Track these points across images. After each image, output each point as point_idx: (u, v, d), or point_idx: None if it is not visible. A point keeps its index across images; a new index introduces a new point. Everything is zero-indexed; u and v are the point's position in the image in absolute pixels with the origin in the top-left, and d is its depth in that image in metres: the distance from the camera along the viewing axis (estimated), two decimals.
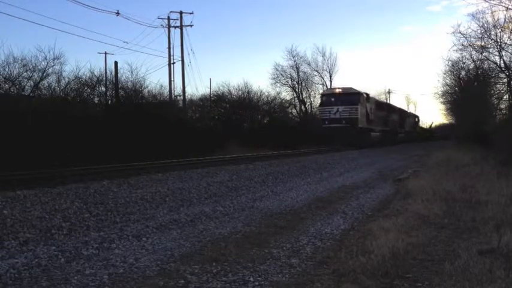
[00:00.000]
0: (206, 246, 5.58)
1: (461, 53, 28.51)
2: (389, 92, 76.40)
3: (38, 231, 5.91)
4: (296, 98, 47.65)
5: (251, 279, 4.38)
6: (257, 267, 4.75)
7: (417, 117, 77.12)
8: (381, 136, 39.18)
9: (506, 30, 21.98)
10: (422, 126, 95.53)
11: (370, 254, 4.90)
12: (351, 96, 32.47)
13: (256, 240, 5.87)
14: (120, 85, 24.75)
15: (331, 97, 33.17)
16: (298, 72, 48.48)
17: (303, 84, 48.62)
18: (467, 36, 23.72)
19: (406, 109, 78.80)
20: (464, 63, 33.63)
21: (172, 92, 32.94)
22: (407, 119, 60.19)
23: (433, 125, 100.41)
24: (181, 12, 34.04)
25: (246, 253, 5.25)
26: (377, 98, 43.17)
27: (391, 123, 46.36)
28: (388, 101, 70.20)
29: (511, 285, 3.96)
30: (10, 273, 4.47)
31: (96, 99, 24.17)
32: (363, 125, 33.08)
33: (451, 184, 10.58)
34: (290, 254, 5.29)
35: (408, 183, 11.71)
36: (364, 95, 34.55)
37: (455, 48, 25.76)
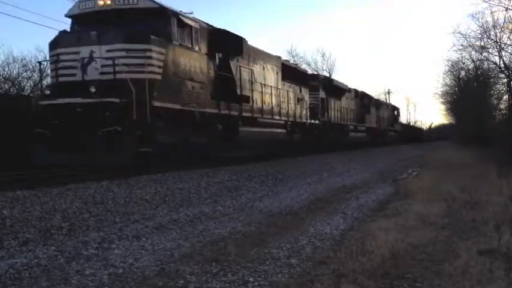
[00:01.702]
0: (206, 246, 5.57)
1: (461, 53, 28.61)
2: (389, 92, 75.92)
3: (38, 231, 5.90)
4: None
5: (251, 279, 4.37)
6: (257, 267, 4.75)
7: (397, 109, 56.01)
8: (292, 136, 20.74)
9: (506, 30, 22.02)
10: (422, 126, 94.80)
11: (369, 254, 4.90)
12: (132, 22, 12.05)
13: (256, 241, 5.86)
14: None
15: (86, 24, 12.50)
16: None
17: None
18: (467, 36, 23.79)
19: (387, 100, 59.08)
20: (464, 63, 33.72)
21: None
22: (373, 108, 39.79)
23: (432, 125, 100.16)
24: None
25: (245, 253, 5.25)
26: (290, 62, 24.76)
27: (336, 112, 29.06)
28: (388, 101, 65.44)
29: (511, 285, 3.96)
30: (10, 273, 4.47)
31: None
32: (179, 101, 12.65)
33: (450, 184, 10.60)
34: (290, 254, 5.29)
35: (408, 184, 11.73)
36: (194, 25, 13.59)
37: (455, 48, 25.88)
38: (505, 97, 27.07)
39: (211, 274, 4.50)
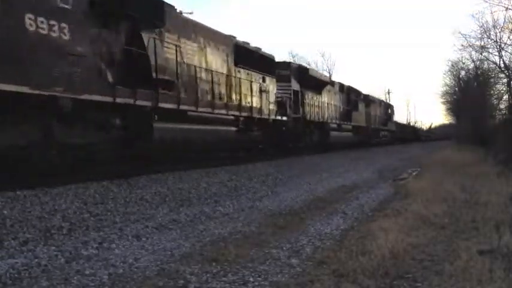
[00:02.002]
0: (206, 246, 5.58)
1: (461, 53, 28.70)
2: (389, 92, 75.91)
3: (38, 231, 5.90)
4: None
5: (251, 279, 4.37)
6: (257, 267, 4.75)
7: (391, 107, 50.52)
8: (246, 135, 17.02)
9: (506, 30, 22.07)
10: (422, 126, 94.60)
11: (370, 254, 4.90)
12: None
13: (256, 241, 5.86)
14: None
15: None
16: None
17: None
18: (467, 36, 23.87)
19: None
20: (464, 63, 33.82)
21: None
22: (361, 105, 35.23)
23: (432, 125, 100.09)
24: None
25: (245, 253, 5.25)
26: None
27: (313, 108, 24.68)
28: (388, 101, 64.01)
29: (511, 285, 3.96)
30: (10, 273, 4.47)
31: None
32: (27, 80, 8.49)
33: (450, 184, 10.61)
34: (290, 254, 5.29)
35: (408, 184, 11.75)
36: None
37: (455, 48, 26.00)
38: (505, 97, 27.13)
39: (212, 274, 4.50)
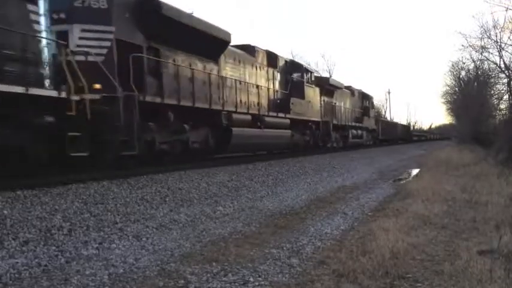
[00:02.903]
0: (206, 246, 5.58)
1: (461, 54, 28.75)
2: (389, 92, 75.76)
3: (38, 231, 5.90)
4: None
5: (251, 279, 4.38)
6: (257, 267, 4.75)
7: (369, 99, 37.17)
8: None
9: (506, 30, 22.09)
10: (423, 126, 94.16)
11: (370, 254, 4.91)
12: None
13: (256, 241, 5.87)
14: None
15: None
16: None
17: None
18: (467, 36, 23.91)
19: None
20: (464, 63, 33.86)
21: None
22: (311, 90, 22.58)
23: (433, 126, 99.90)
24: None
25: (246, 253, 5.25)
26: None
27: (185, 82, 12.76)
28: (388, 102, 62.51)
29: (511, 285, 3.97)
30: (10, 273, 4.47)
31: None
32: None
33: (451, 184, 10.63)
34: (290, 254, 5.29)
35: (408, 184, 11.76)
36: None
37: (455, 48, 26.07)
38: (505, 97, 27.13)
39: (212, 274, 4.50)
